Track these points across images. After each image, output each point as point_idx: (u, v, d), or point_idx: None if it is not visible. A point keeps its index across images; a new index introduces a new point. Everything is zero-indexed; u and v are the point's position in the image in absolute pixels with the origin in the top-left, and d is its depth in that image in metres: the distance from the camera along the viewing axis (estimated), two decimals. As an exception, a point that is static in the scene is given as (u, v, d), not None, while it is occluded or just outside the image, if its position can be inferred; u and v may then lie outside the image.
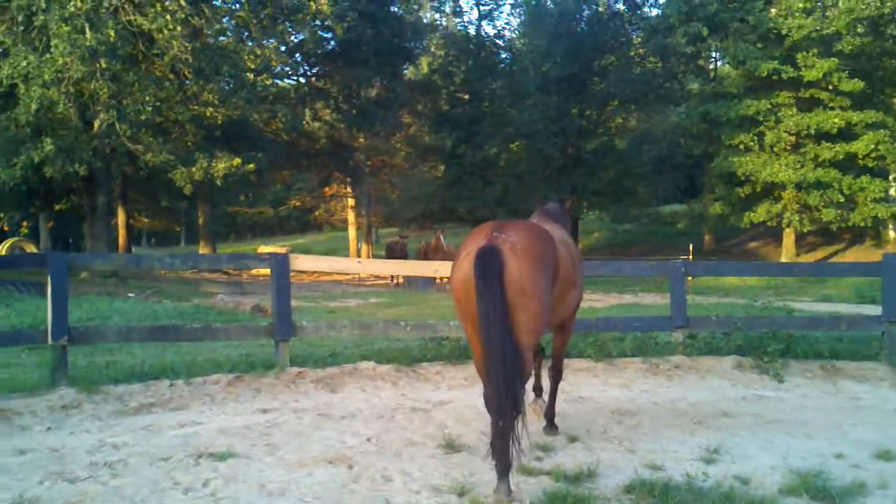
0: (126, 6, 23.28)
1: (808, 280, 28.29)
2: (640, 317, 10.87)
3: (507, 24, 66.27)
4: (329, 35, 36.66)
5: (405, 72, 48.63)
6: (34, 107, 22.68)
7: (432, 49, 49.27)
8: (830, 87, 38.64)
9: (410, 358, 9.40)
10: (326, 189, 56.79)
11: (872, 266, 11.05)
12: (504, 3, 51.37)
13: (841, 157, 38.09)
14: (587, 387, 8.47)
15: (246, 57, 25.86)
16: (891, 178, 42.32)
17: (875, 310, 17.13)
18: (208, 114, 26.84)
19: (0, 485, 5.31)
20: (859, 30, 37.88)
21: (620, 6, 51.59)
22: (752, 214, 40.50)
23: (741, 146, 40.44)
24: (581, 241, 51.67)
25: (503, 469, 5.15)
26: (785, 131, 39.39)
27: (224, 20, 25.85)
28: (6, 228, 38.87)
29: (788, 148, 39.97)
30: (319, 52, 38.43)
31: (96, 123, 25.15)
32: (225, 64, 25.45)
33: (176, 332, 9.16)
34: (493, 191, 44.50)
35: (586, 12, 50.10)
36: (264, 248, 48.75)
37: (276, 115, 34.82)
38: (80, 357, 9.59)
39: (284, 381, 8.46)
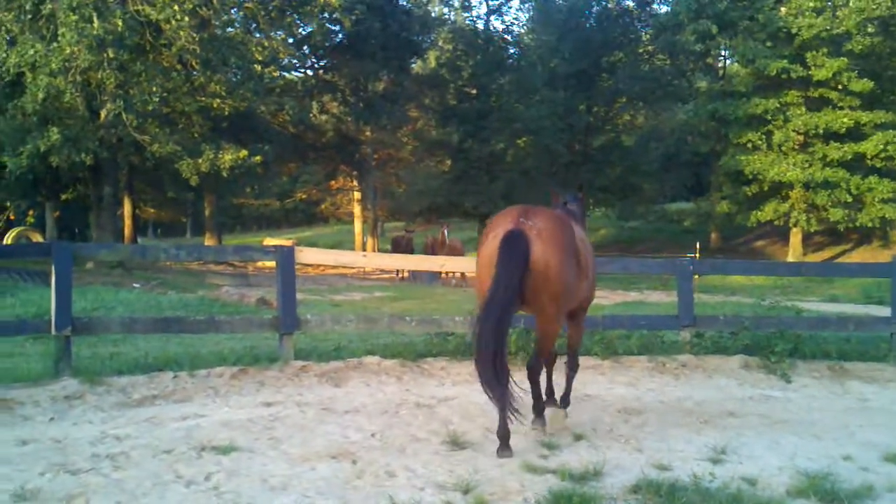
0: (134, -4, 23.26)
1: (816, 280, 28.21)
2: (647, 315, 10.80)
3: (515, 19, 66.46)
4: (337, 28, 36.60)
5: (413, 66, 48.54)
6: (41, 96, 22.66)
7: (440, 43, 49.18)
8: (840, 87, 38.53)
9: (415, 353, 9.35)
10: (333, 182, 56.71)
11: (881, 267, 11.00)
12: (513, -2, 51.12)
13: (849, 157, 37.99)
14: (593, 385, 8.41)
15: (254, 48, 25.82)
16: (899, 178, 42.18)
17: (882, 310, 17.11)
18: (215, 105, 26.81)
19: (1, 475, 5.25)
20: (870, 30, 37.76)
21: (630, 3, 51.43)
22: (760, 213, 40.44)
23: (749, 145, 40.33)
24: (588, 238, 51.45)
25: (505, 433, 5.93)
26: (793, 130, 39.28)
27: (232, 11, 25.80)
28: (12, 217, 38.84)
29: (797, 147, 39.86)
30: (327, 44, 38.39)
31: (103, 113, 25.12)
32: (232, 55, 25.41)
33: (180, 323, 9.11)
34: (499, 186, 44.43)
35: (595, 8, 49.92)
36: (270, 241, 48.76)
37: (284, 108, 34.81)
38: (83, 347, 9.56)
39: (288, 374, 8.41)
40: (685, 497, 4.94)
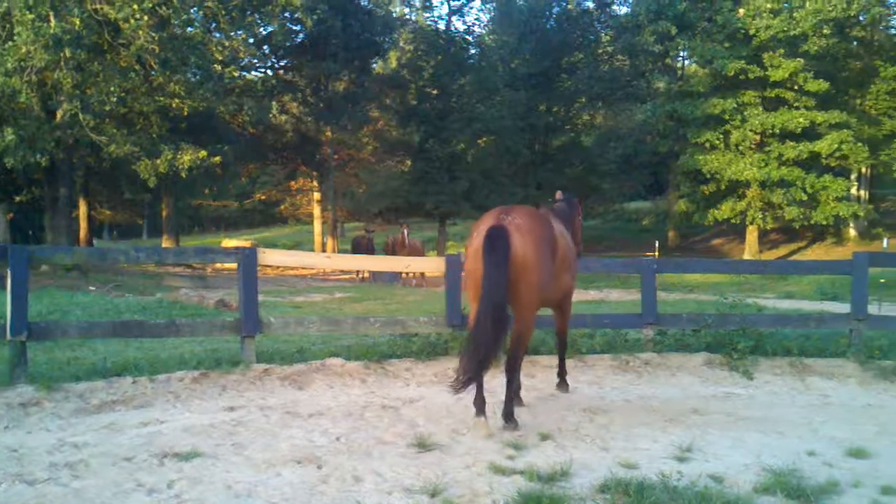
0: (92, -6, 22.87)
1: (771, 277, 28.60)
2: (610, 314, 10.85)
3: (476, 19, 66.42)
4: (298, 28, 36.35)
5: (374, 66, 48.40)
6: (-5, 96, 22.23)
7: (401, 43, 49.10)
8: (796, 88, 39.12)
9: (379, 354, 9.28)
10: (292, 183, 56.34)
11: (842, 265, 11.10)
12: (474, -1, 51.23)
13: (805, 156, 38.58)
14: (554, 384, 8.38)
15: (214, 48, 25.51)
16: (852, 177, 42.94)
17: (837, 307, 17.40)
18: (174, 105, 26.45)
19: (-45, 486, 5.12)
20: (825, 31, 38.31)
21: (590, 4, 51.96)
22: (717, 212, 40.93)
23: (707, 144, 40.77)
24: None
25: (479, 405, 6.61)
26: (750, 130, 39.79)
27: (192, 10, 25.40)
28: (-36, 220, 38.08)
29: (753, 146, 40.40)
30: (288, 44, 38.12)
31: (59, 113, 24.67)
32: (192, 55, 25.07)
33: (140, 327, 8.93)
34: (460, 186, 44.42)
35: (556, 9, 50.28)
36: (228, 242, 48.42)
37: (243, 108, 34.48)
38: (39, 353, 9.33)
39: (251, 377, 8.29)
40: (653, 496, 4.93)
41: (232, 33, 26.26)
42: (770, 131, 39.22)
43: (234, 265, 8.87)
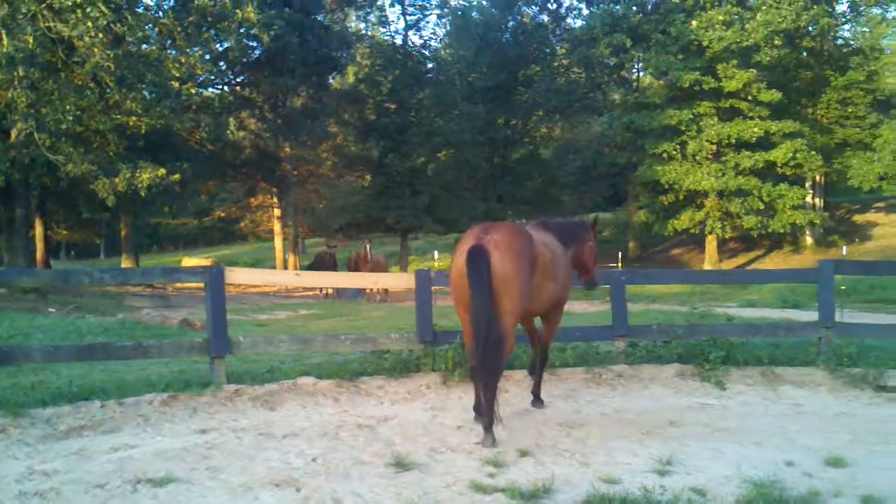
0: (45, 12, 22.47)
1: (733, 286, 28.90)
2: (581, 326, 10.83)
3: (433, 34, 66.52)
4: (255, 44, 36.08)
5: (331, 81, 48.24)
6: (-51, 115, 21.82)
7: (358, 58, 49.00)
8: (749, 98, 39.67)
9: (351, 372, 9.16)
10: (252, 199, 55.95)
11: (808, 272, 11.24)
12: (430, 13, 51.22)
13: (760, 165, 39.09)
14: (532, 398, 8.34)
15: (170, 65, 25.23)
16: (807, 185, 43.61)
17: (799, 314, 17.61)
18: (131, 123, 26.11)
19: (-79, 520, 4.95)
20: (776, 42, 38.94)
21: (545, 17, 52.20)
22: (676, 222, 41.31)
23: (664, 155, 41.15)
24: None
25: (488, 425, 6.76)
26: (706, 140, 40.23)
27: (147, 27, 25.15)
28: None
29: (710, 157, 40.85)
30: (245, 60, 37.78)
31: (14, 133, 24.24)
32: (149, 72, 24.78)
33: (105, 350, 8.74)
34: (421, 200, 44.35)
35: (511, 23, 50.51)
36: (188, 261, 47.88)
37: (200, 125, 34.16)
38: (3, 377, 9.11)
39: (221, 399, 8.13)
40: (638, 511, 4.92)
41: (188, 50, 25.98)
42: (726, 141, 39.71)
43: (197, 284, 8.71)
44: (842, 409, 8.20)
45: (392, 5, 58.24)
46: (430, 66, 49.89)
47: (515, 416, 7.77)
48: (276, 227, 49.75)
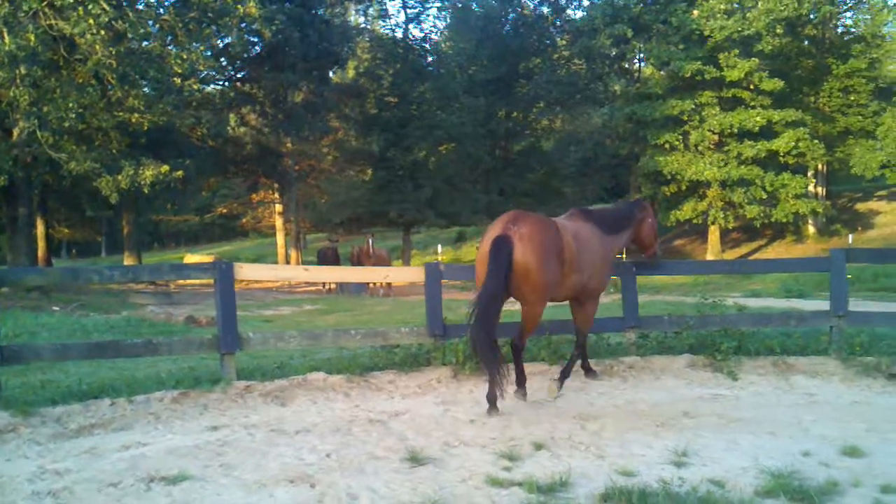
0: (46, 10, 22.41)
1: (736, 276, 28.84)
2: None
3: (433, 27, 66.34)
4: (256, 39, 36.01)
5: (332, 75, 48.14)
6: (-49, 115, 21.78)
7: (358, 52, 48.92)
8: (752, 87, 39.53)
9: (361, 367, 9.13)
10: (253, 195, 55.90)
11: (821, 261, 11.16)
12: (430, 6, 51.10)
13: (763, 154, 38.98)
14: (543, 391, 8.29)
15: (172, 61, 25.17)
16: (809, 174, 43.52)
17: (803, 304, 17.57)
18: (133, 120, 26.07)
19: (-65, 521, 4.91)
20: (778, 30, 38.85)
21: (545, 9, 52.02)
22: (678, 212, 41.20)
23: (666, 145, 41.04)
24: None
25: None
26: (709, 130, 40.11)
27: (149, 24, 25.06)
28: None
29: (712, 146, 40.73)
30: (246, 56, 37.73)
31: (16, 132, 24.24)
32: (150, 69, 24.74)
33: (116, 348, 8.70)
34: (423, 194, 44.33)
35: (511, 15, 50.45)
36: (191, 257, 47.96)
37: (201, 121, 34.12)
38: (12, 377, 9.07)
39: (232, 395, 8.10)
40: (657, 503, 4.88)
41: (189, 46, 25.89)
42: (728, 131, 39.60)
43: (201, 281, 8.67)
44: (855, 399, 8.15)
45: (392, -1, 58.10)
46: (430, 59, 49.83)
47: (528, 408, 7.74)
48: (278, 222, 49.76)
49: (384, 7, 51.07)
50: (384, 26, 51.34)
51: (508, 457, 6.07)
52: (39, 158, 24.71)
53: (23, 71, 21.51)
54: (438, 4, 51.28)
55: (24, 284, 17.72)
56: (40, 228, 36.90)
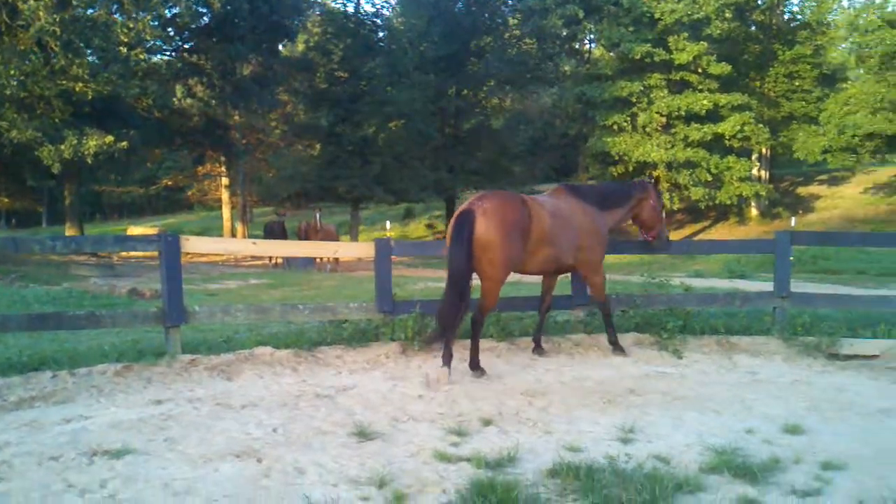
0: (-14, -27, 21.81)
1: (680, 256, 29.24)
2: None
3: (385, 2, 65.62)
4: (204, 9, 35.31)
5: (282, 49, 47.47)
6: None
7: (309, 26, 48.28)
8: (700, 70, 40.04)
9: (309, 342, 9.06)
10: (199, 168, 55.05)
11: (766, 243, 11.37)
12: (382, -19, 50.66)
13: (709, 137, 39.54)
14: (492, 367, 8.33)
15: (118, 30, 24.59)
16: (753, 157, 44.24)
17: (746, 284, 17.85)
18: (77, 89, 25.47)
19: None
20: (727, 15, 39.32)
21: (497, -13, 51.81)
22: (625, 193, 41.49)
23: (615, 126, 41.41)
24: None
25: (447, 360, 7.74)
26: (657, 112, 40.54)
27: (95, -10, 24.51)
28: None
29: (660, 128, 41.19)
30: (194, 26, 36.98)
31: (-45, 100, 23.59)
32: (96, 37, 24.16)
33: (58, 319, 8.51)
34: (371, 170, 44.02)
35: (464, -7, 50.10)
36: (134, 229, 47.19)
37: (147, 92, 33.46)
38: (-54, 349, 8.85)
39: (177, 369, 7.99)
40: (603, 479, 4.92)
41: (136, 15, 25.33)
42: (675, 113, 40.06)
43: (144, 253, 8.52)
44: (797, 377, 8.30)
45: (343, -28, 57.41)
46: (381, 34, 49.34)
47: (475, 384, 7.74)
48: (224, 195, 49.19)
49: (337, -20, 50.35)
50: (336, 0, 50.73)
51: (457, 432, 6.08)
52: (-21, 127, 24.09)
53: (-38, 37, 20.92)
54: (390, -21, 50.80)
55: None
56: (-22, 198, 36.03)
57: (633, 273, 22.84)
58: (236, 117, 44.41)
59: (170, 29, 36.05)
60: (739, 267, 25.21)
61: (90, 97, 26.07)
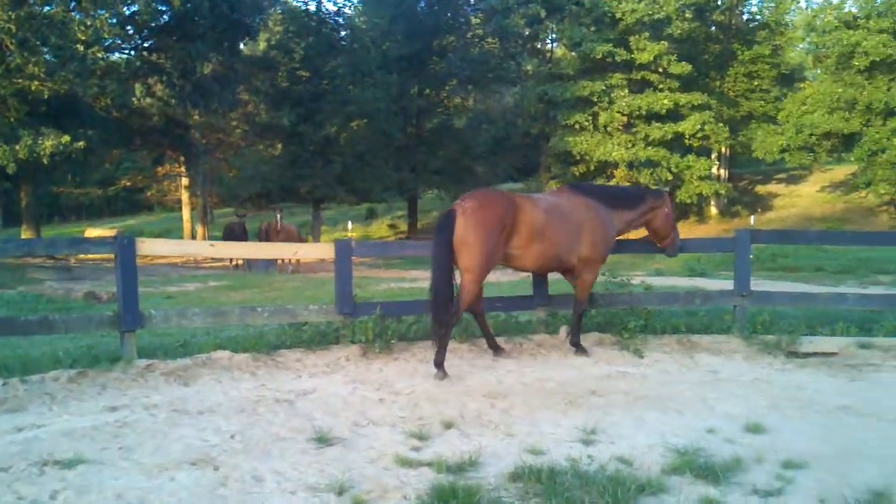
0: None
1: (641, 255, 29.35)
2: (502, 296, 10.78)
3: (347, 0, 65.20)
4: (164, 7, 34.84)
5: (243, 47, 47.00)
6: None
7: (270, 24, 47.90)
8: (660, 70, 40.31)
9: (268, 345, 8.94)
10: (159, 168, 54.29)
11: (726, 242, 11.43)
12: (344, -21, 50.33)
13: (669, 136, 39.85)
14: (453, 368, 8.24)
15: (76, 28, 24.17)
16: (713, 157, 44.66)
17: (706, 283, 17.96)
18: (33, 87, 25.00)
19: None
20: (687, 15, 39.67)
21: (459, -13, 51.83)
22: (587, 192, 41.68)
23: (576, 126, 41.56)
24: (420, 220, 51.92)
25: (440, 361, 7.97)
26: (618, 112, 40.76)
27: (52, -13, 24.09)
28: None
29: (621, 128, 41.42)
30: (153, 24, 36.44)
31: None
32: (52, 35, 23.72)
33: (9, 325, 8.29)
34: (333, 170, 43.76)
35: (426, -8, 50.03)
36: (92, 231, 46.41)
37: (105, 91, 32.93)
38: None
39: (132, 375, 7.81)
40: (566, 482, 4.89)
41: (94, 12, 24.92)
42: (636, 113, 40.30)
43: (102, 256, 8.36)
44: (757, 376, 8.33)
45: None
46: (344, 33, 49.08)
47: (437, 386, 7.68)
48: (184, 196, 48.60)
49: (298, -22, 49.92)
50: (297, -1, 50.36)
51: (418, 436, 6.02)
52: (-70, 125, 23.60)
53: (-88, 34, 20.45)
54: (352, -22, 50.57)
55: None
56: (-69, 200, 35.31)
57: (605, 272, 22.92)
58: (196, 117, 43.91)
59: (129, 27, 35.47)
60: (700, 265, 25.34)
61: (47, 96, 25.61)
